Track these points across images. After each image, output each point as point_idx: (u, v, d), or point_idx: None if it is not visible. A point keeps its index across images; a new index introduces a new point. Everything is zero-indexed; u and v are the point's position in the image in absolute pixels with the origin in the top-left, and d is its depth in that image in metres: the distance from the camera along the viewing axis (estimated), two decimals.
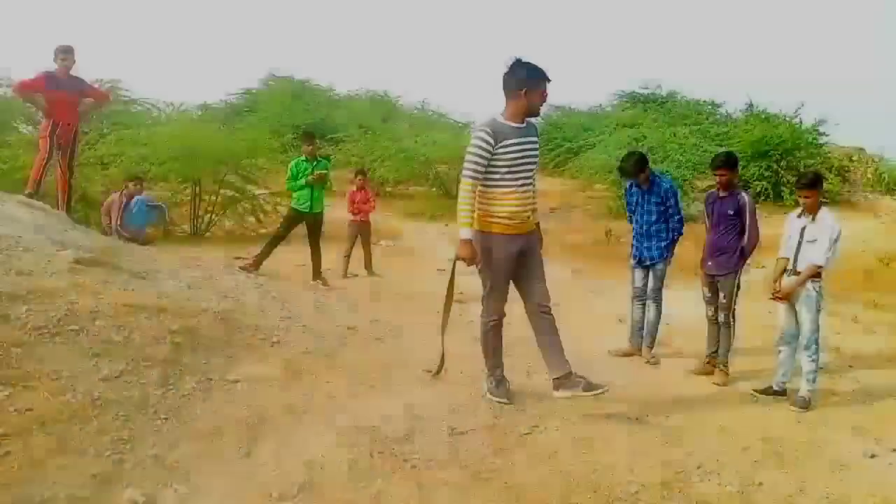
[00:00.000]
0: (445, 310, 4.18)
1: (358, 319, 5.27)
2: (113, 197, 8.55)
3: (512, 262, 3.80)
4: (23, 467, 2.33)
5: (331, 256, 8.40)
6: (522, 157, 3.69)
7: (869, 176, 17.72)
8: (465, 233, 3.66)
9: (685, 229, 5.68)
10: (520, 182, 3.70)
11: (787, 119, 17.05)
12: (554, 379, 3.82)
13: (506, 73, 3.65)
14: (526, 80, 3.62)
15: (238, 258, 8.21)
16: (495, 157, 3.63)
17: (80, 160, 8.85)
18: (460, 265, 3.90)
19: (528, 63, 3.65)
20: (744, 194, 5.08)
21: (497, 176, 3.67)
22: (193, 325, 3.82)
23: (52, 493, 2.29)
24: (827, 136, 16.94)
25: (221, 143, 11.34)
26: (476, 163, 3.62)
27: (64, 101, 6.58)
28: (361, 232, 8.77)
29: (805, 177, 4.76)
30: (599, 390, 3.74)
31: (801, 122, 16.89)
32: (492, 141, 3.60)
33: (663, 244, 5.51)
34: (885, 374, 5.61)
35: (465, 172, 3.66)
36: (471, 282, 8.96)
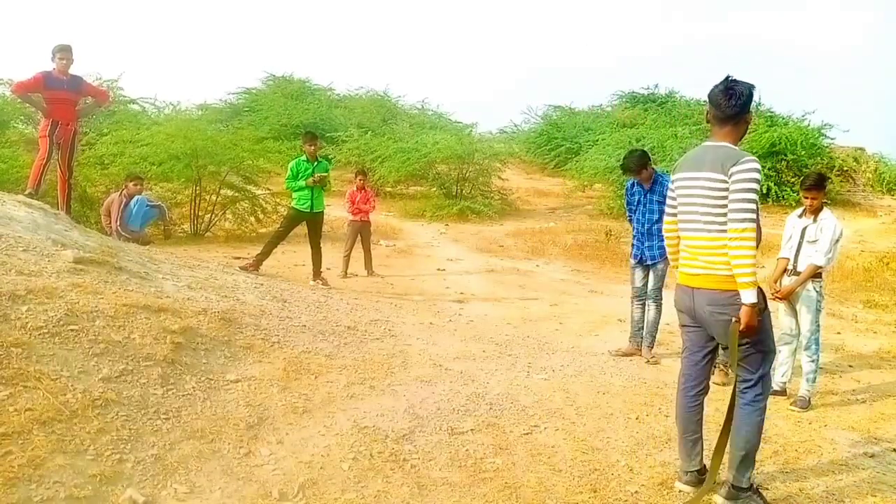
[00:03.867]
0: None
1: (358, 319, 5.27)
2: (113, 196, 8.56)
3: None
4: (23, 467, 2.33)
5: (331, 256, 8.41)
6: None
7: (869, 176, 17.77)
8: (753, 296, 2.83)
9: None
10: None
11: (796, 121, 17.14)
12: (733, 486, 2.99)
13: (728, 96, 2.96)
14: (749, 101, 3.01)
15: (238, 258, 8.22)
16: None
17: (80, 160, 8.84)
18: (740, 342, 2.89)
19: (745, 81, 3.02)
20: None
21: None
22: (193, 325, 3.82)
23: (52, 492, 2.29)
24: (833, 138, 17.05)
25: (225, 146, 11.33)
26: (756, 201, 2.91)
27: (63, 100, 6.57)
28: (361, 232, 8.78)
29: (810, 178, 4.74)
30: None
31: (809, 124, 17.00)
32: None
33: (664, 243, 5.51)
34: (884, 374, 5.62)
35: (748, 216, 2.85)
36: (471, 281, 8.92)
